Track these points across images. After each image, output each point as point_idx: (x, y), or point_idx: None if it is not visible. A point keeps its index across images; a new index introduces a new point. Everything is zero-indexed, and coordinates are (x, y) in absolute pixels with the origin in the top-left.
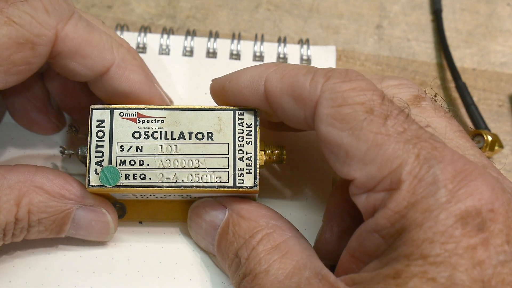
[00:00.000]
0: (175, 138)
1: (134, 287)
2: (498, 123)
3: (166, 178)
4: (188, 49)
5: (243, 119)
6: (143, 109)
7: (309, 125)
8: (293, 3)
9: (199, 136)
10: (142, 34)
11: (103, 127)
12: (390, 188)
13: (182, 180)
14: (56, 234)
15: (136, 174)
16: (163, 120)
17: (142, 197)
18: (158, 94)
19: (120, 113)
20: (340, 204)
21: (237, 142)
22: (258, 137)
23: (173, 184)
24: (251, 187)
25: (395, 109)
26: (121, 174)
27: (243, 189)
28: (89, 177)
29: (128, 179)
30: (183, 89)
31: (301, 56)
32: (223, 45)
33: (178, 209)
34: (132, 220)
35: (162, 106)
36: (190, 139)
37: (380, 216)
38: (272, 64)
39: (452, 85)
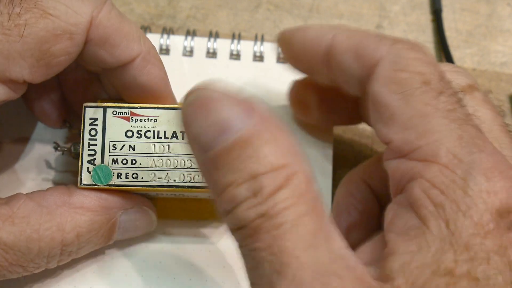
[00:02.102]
0: (167, 138)
1: (134, 287)
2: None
3: (158, 178)
4: (188, 49)
5: None
6: (137, 107)
7: (360, 86)
8: (293, 3)
9: None
10: None
11: (96, 125)
12: (425, 159)
13: (174, 180)
14: (104, 244)
15: (128, 173)
16: (156, 119)
17: (137, 192)
18: (171, 95)
19: (113, 111)
20: (347, 199)
21: None
22: None
23: (165, 184)
24: None
25: (450, 89)
26: (113, 173)
27: None
28: (81, 175)
29: (120, 178)
30: (183, 89)
31: None
32: (223, 45)
33: (175, 207)
34: None
35: (156, 105)
36: (183, 138)
37: (415, 188)
38: (343, 26)
39: None
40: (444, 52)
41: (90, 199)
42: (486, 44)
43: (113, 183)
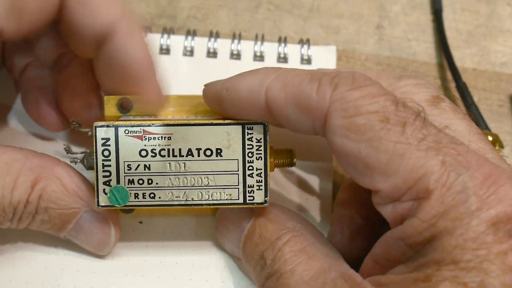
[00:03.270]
0: (183, 156)
1: (134, 287)
2: (499, 123)
3: (176, 197)
4: (188, 49)
5: (252, 133)
6: (149, 125)
7: (317, 134)
8: (293, 3)
9: (208, 152)
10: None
11: (109, 145)
12: (417, 198)
13: (192, 199)
14: (57, 231)
15: (145, 193)
16: (170, 137)
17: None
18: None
19: (125, 130)
20: (349, 205)
21: (247, 158)
22: (268, 152)
23: (182, 203)
24: (261, 203)
25: (411, 114)
26: (130, 193)
27: (253, 206)
28: (98, 197)
29: (138, 198)
30: (183, 89)
31: (302, 56)
32: (223, 45)
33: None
34: (139, 215)
35: (168, 122)
36: (199, 156)
37: (408, 225)
38: (272, 70)
39: (452, 85)
40: (444, 52)
41: (70, 179)
42: (486, 44)
43: (130, 203)
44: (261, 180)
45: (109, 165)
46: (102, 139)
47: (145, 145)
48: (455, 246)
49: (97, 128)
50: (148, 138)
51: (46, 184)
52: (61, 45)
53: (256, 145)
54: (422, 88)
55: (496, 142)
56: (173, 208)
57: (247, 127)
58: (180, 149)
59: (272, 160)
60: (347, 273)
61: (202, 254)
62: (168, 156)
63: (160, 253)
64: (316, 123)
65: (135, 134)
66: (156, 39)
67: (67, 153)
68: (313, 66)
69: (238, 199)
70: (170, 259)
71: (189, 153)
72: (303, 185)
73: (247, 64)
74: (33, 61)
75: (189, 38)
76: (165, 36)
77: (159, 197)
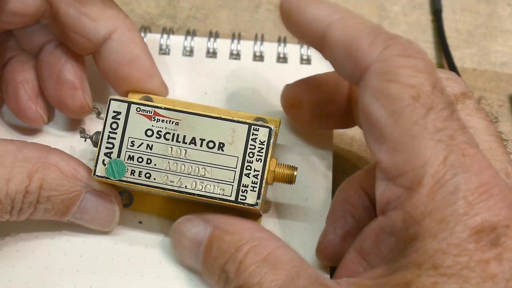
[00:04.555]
0: (186, 143)
1: (134, 287)
2: (498, 123)
3: (170, 181)
4: (188, 49)
5: (257, 135)
6: (160, 108)
7: (352, 81)
8: None
9: (210, 144)
10: (142, 34)
11: (118, 119)
12: (410, 187)
13: (186, 186)
14: (61, 216)
15: (141, 172)
16: (178, 123)
17: (147, 191)
18: (156, 72)
19: (137, 108)
20: (344, 206)
21: (247, 158)
22: (269, 156)
23: (175, 188)
24: (252, 205)
25: (442, 102)
26: (127, 169)
27: (244, 206)
28: (96, 166)
29: (133, 175)
30: (183, 89)
31: (301, 56)
32: (223, 45)
33: (184, 209)
34: (137, 210)
35: (180, 108)
36: (201, 146)
37: (397, 218)
38: (342, 10)
39: None
40: (444, 52)
41: (66, 164)
42: (486, 44)
43: (125, 179)
44: (257, 182)
45: (114, 138)
46: (113, 111)
47: (152, 126)
48: (437, 250)
49: (112, 101)
50: (157, 119)
51: (44, 173)
52: (47, 33)
53: (259, 147)
54: (452, 82)
55: None
56: (168, 209)
57: (254, 128)
58: (184, 136)
59: (273, 170)
60: (318, 280)
61: None
62: (172, 140)
63: (160, 253)
64: (356, 72)
65: (146, 114)
66: (156, 39)
67: (81, 134)
68: (313, 66)
69: (230, 196)
70: (170, 259)
71: (193, 141)
72: (303, 185)
73: (246, 64)
74: (15, 56)
75: (189, 38)
76: (165, 36)
77: (154, 178)
